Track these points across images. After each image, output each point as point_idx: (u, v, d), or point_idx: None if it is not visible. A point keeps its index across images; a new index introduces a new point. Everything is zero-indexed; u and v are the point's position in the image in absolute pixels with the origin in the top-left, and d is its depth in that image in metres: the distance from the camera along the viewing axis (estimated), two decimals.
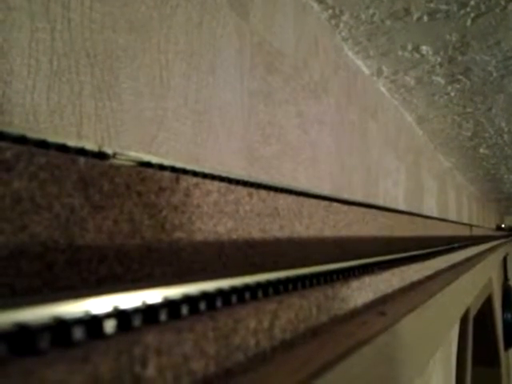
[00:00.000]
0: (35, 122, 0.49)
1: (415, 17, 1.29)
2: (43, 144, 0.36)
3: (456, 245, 1.62)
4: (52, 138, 0.37)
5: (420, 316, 0.54)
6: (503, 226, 6.55)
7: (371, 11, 1.25)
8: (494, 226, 6.20)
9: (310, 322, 0.38)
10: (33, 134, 0.36)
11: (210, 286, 0.31)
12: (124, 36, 0.61)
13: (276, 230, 0.60)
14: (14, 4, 0.48)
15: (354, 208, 0.90)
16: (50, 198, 0.32)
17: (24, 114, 0.48)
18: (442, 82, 1.80)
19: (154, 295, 0.27)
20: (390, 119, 2.00)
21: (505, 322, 4.21)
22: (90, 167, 0.35)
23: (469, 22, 1.33)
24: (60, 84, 0.52)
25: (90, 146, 0.40)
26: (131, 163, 0.42)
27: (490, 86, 1.85)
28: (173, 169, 0.47)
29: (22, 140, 0.34)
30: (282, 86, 1.03)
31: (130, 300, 0.25)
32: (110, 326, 0.22)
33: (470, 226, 3.40)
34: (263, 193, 0.57)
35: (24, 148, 0.31)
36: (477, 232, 3.57)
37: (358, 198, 1.45)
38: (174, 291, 0.28)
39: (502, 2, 1.22)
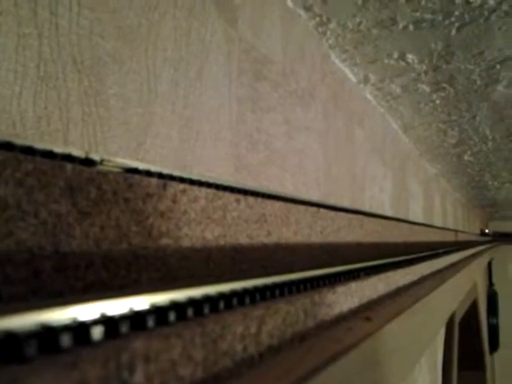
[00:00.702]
0: (22, 128, 0.48)
1: (401, 26, 1.31)
2: (30, 150, 0.36)
3: (441, 250, 1.64)
4: (39, 145, 0.37)
5: (405, 321, 0.54)
6: (487, 231, 6.57)
7: (358, 19, 1.27)
8: (478, 231, 6.23)
9: (297, 328, 0.38)
10: (19, 141, 0.36)
11: (197, 292, 0.31)
12: (112, 42, 0.61)
13: (263, 236, 0.60)
14: (0, 8, 0.48)
15: (341, 214, 0.91)
16: (37, 204, 0.32)
17: (10, 120, 0.48)
18: (428, 89, 1.82)
19: (141, 302, 0.27)
20: (377, 126, 2.02)
21: (490, 326, 4.26)
22: (76, 173, 0.35)
23: (453, 32, 1.35)
24: (47, 90, 0.52)
25: (77, 152, 0.40)
26: (118, 169, 0.42)
27: (474, 95, 1.88)
28: (160, 175, 0.47)
29: (8, 146, 0.34)
30: (270, 93, 1.04)
31: (117, 307, 0.25)
32: (97, 332, 0.22)
33: (456, 231, 3.44)
34: (251, 199, 0.58)
35: (10, 154, 0.31)
36: (462, 237, 3.61)
37: (345, 204, 1.46)
38: (162, 298, 0.28)
39: (486, 13, 1.25)
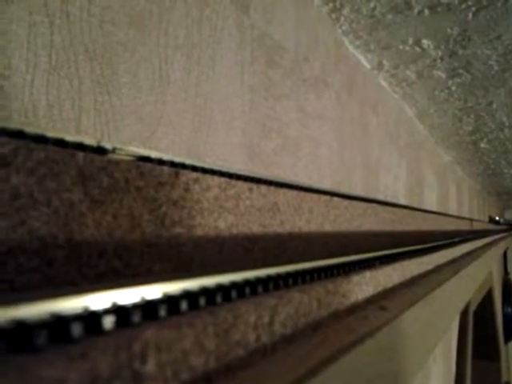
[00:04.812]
0: (34, 116, 0.48)
1: (416, 10, 1.29)
2: (42, 139, 0.36)
3: (457, 239, 1.62)
4: (51, 133, 0.37)
5: (421, 310, 0.54)
6: (497, 218, 6.19)
7: (372, 4, 1.24)
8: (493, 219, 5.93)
9: (311, 317, 0.37)
10: (31, 129, 0.36)
11: (209, 281, 0.31)
12: (123, 30, 0.60)
13: (276, 224, 0.59)
14: None
15: (355, 203, 0.90)
16: (49, 193, 0.31)
17: (23, 108, 0.48)
18: (443, 76, 1.79)
19: (153, 291, 0.26)
20: (391, 113, 1.99)
21: (505, 316, 4.22)
22: (88, 162, 0.35)
23: (470, 16, 1.32)
24: (59, 79, 0.52)
25: (89, 140, 0.40)
26: (130, 158, 0.42)
27: (490, 80, 1.85)
28: (172, 163, 0.47)
29: (19, 135, 0.34)
30: (283, 80, 1.03)
31: (129, 296, 0.25)
32: (108, 322, 0.22)
33: (471, 220, 3.40)
34: (263, 188, 0.57)
35: (22, 143, 0.31)
36: (477, 226, 3.57)
37: (359, 192, 1.45)
38: (174, 287, 0.28)
39: None
